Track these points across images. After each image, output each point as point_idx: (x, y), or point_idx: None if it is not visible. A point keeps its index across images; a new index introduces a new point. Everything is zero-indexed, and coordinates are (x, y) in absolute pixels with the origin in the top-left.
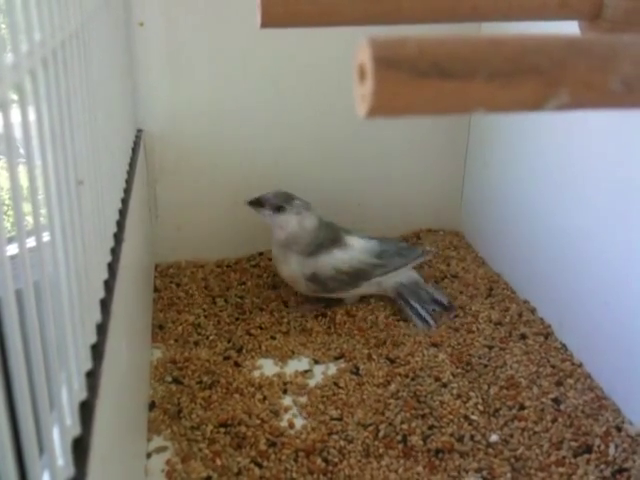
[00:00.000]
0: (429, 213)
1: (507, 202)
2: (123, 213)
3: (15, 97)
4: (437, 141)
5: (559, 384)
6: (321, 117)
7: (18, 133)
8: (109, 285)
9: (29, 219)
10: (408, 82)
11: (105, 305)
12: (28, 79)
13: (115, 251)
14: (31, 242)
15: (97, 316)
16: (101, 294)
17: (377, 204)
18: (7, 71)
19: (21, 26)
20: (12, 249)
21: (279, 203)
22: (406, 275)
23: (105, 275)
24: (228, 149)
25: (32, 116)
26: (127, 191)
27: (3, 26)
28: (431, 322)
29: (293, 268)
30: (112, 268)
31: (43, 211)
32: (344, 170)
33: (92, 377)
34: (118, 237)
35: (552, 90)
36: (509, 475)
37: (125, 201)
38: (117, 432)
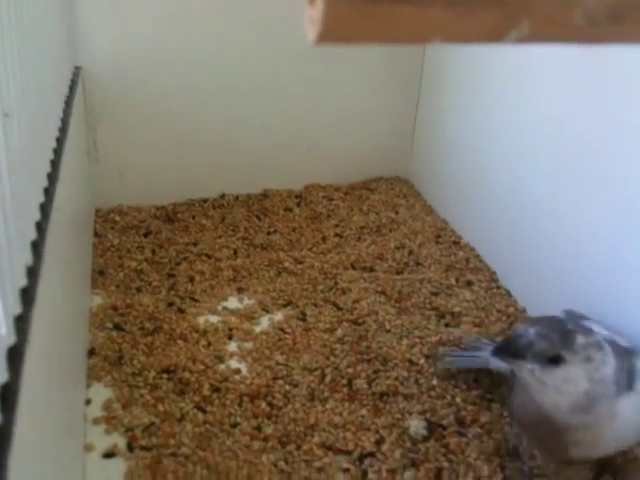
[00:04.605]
0: (379, 161)
1: (456, 151)
2: (58, 152)
3: None
4: (388, 88)
5: (503, 330)
6: (270, 59)
7: None
8: (41, 227)
9: None
10: (360, 6)
11: (37, 247)
12: None
13: (49, 192)
14: None
15: (27, 258)
16: (32, 236)
17: (327, 150)
18: None
19: None
20: None
21: (553, 350)
22: None
23: (37, 216)
24: (172, 90)
25: None
26: (63, 130)
27: None
28: None
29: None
30: (45, 209)
31: None
32: (293, 114)
33: (21, 322)
34: (52, 177)
35: (513, 21)
36: (452, 417)
37: (60, 140)
38: (51, 378)
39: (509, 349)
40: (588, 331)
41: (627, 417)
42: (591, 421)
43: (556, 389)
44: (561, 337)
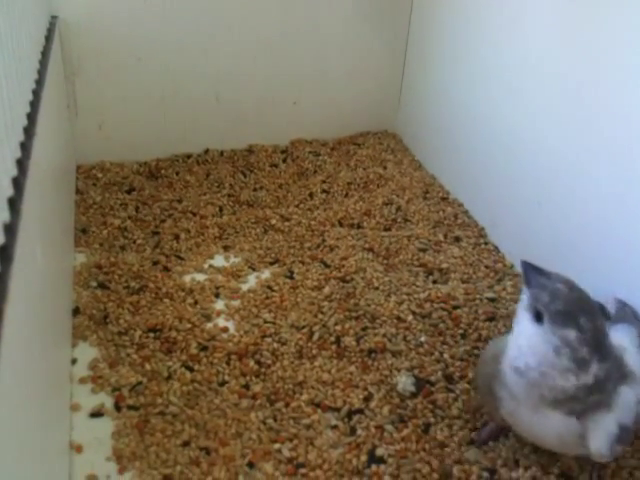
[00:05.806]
0: (366, 114)
1: (444, 105)
2: (35, 105)
3: None
4: (376, 40)
5: (491, 286)
6: (254, 11)
7: None
8: (19, 182)
9: None
10: None
11: (14, 204)
12: None
13: (26, 146)
14: None
15: (4, 215)
16: (9, 192)
17: (313, 104)
18: None
19: None
20: None
21: (544, 309)
22: None
23: (14, 171)
24: (153, 41)
25: None
26: (39, 82)
27: None
28: None
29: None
30: (22, 164)
31: None
32: (279, 67)
33: None
34: (29, 131)
35: None
36: (440, 373)
37: (37, 93)
38: (32, 337)
39: (533, 273)
40: (617, 357)
41: (548, 429)
42: (513, 394)
43: (517, 336)
44: (567, 314)
